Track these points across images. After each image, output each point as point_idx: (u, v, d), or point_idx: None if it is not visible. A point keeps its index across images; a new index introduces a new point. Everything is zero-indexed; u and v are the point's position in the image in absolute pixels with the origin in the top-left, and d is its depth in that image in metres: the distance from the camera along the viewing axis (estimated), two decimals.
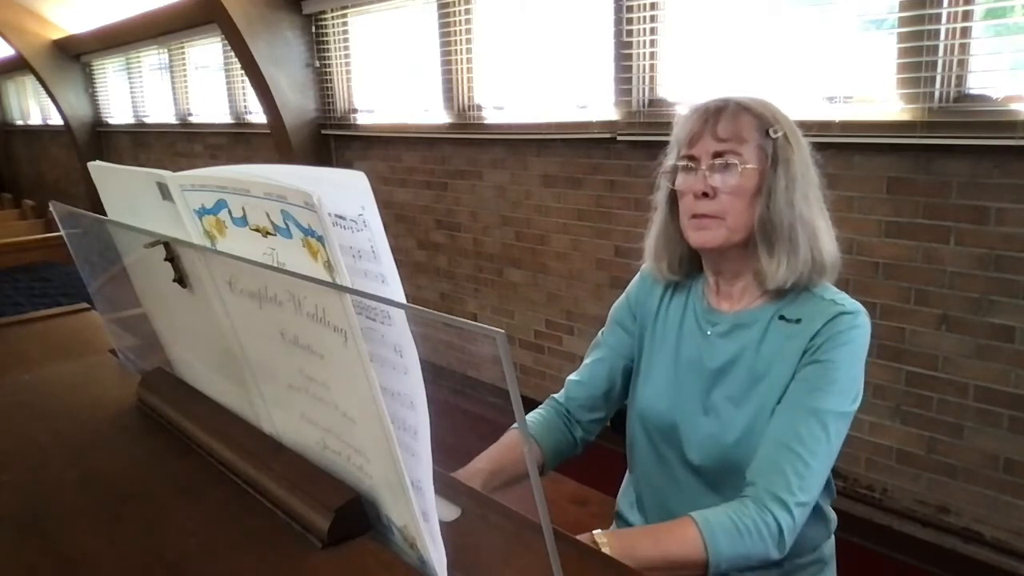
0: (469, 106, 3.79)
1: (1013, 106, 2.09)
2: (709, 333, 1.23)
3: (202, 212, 0.85)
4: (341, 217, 0.68)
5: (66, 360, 1.47)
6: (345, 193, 0.68)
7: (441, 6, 3.74)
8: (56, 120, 8.23)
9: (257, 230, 0.76)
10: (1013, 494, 2.25)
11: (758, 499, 1.07)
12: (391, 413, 0.71)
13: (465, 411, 3.69)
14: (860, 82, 2.42)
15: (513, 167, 3.61)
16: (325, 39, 4.54)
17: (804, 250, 1.14)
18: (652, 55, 2.97)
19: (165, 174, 0.88)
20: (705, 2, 2.80)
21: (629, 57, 3.00)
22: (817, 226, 1.16)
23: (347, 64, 4.49)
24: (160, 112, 6.76)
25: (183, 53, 6.17)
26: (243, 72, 4.78)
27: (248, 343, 0.90)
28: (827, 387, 1.10)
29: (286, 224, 0.71)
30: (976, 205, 2.20)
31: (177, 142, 6.59)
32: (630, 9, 2.95)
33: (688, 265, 1.27)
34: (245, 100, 5.45)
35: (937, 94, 2.22)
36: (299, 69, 4.60)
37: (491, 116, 3.70)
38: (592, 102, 3.23)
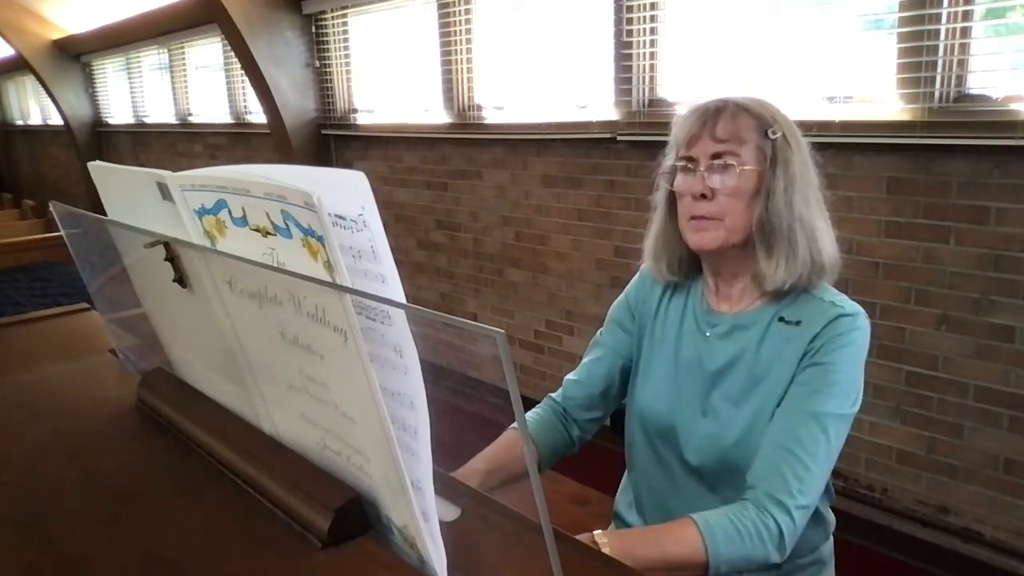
0: (469, 106, 3.79)
1: (1013, 106, 2.09)
2: (708, 334, 1.23)
3: (202, 212, 0.85)
4: (341, 217, 0.68)
5: (66, 360, 1.47)
6: (345, 193, 0.68)
7: (441, 6, 3.74)
8: (56, 120, 8.22)
9: (257, 230, 0.76)
10: (1013, 494, 2.25)
11: (758, 502, 1.06)
12: (391, 413, 0.71)
13: (465, 411, 3.69)
14: (860, 82, 2.42)
15: (513, 167, 3.61)
16: (325, 39, 4.54)
17: (803, 251, 1.13)
18: (652, 55, 2.97)
19: (165, 174, 0.88)
20: (705, 2, 2.80)
21: (629, 57, 3.00)
22: (816, 227, 1.15)
23: (347, 64, 4.49)
24: (160, 112, 6.76)
25: (183, 53, 6.17)
26: (243, 72, 4.78)
27: (248, 343, 0.90)
28: (827, 389, 1.10)
29: (286, 224, 0.71)
30: (976, 205, 2.20)
31: (177, 142, 6.59)
32: (630, 9, 2.95)
33: (687, 266, 1.27)
34: (245, 100, 5.45)
35: (937, 94, 2.22)
36: (299, 69, 4.60)
37: (491, 116, 3.70)
38: (592, 102, 3.23)
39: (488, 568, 0.83)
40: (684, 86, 2.95)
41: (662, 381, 1.26)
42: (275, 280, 0.77)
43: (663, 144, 1.25)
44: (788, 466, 1.07)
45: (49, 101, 7.96)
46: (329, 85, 4.61)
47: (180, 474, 0.97)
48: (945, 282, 2.29)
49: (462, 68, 3.74)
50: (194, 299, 0.97)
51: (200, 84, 6.18)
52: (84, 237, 1.29)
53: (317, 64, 4.61)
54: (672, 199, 1.22)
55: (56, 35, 7.38)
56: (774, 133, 1.14)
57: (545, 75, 3.41)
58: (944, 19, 2.18)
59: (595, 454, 1.49)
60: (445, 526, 0.77)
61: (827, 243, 1.16)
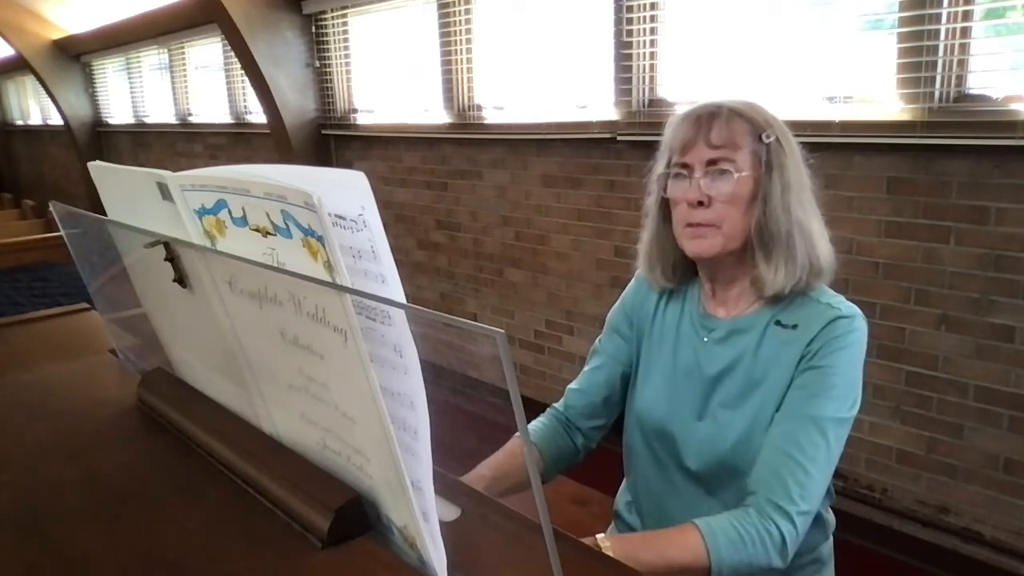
0: (469, 106, 3.79)
1: (1013, 106, 2.09)
2: (706, 339, 1.22)
3: (202, 212, 0.85)
4: (341, 217, 0.68)
5: (66, 360, 1.47)
6: (345, 193, 0.68)
7: (441, 6, 3.74)
8: (56, 120, 8.23)
9: (257, 230, 0.76)
10: (1013, 494, 2.25)
11: (760, 508, 1.06)
12: (391, 413, 0.71)
13: (465, 411, 3.69)
14: (860, 82, 2.42)
15: (513, 167, 3.61)
16: (325, 39, 4.54)
17: (801, 255, 1.13)
18: (652, 55, 2.97)
19: (165, 174, 0.88)
20: (705, 2, 2.80)
21: (629, 57, 3.00)
22: (812, 230, 1.15)
23: (347, 64, 4.49)
24: (160, 112, 6.76)
25: (183, 53, 6.17)
26: (243, 72, 4.78)
27: (248, 343, 0.90)
28: (825, 393, 1.10)
29: (286, 224, 0.71)
30: (976, 205, 2.20)
31: (177, 142, 6.59)
32: (630, 9, 2.95)
33: (683, 271, 1.26)
34: (245, 100, 5.45)
35: (937, 94, 2.22)
36: (299, 69, 4.60)
37: (491, 116, 3.70)
38: (592, 102, 3.23)
39: (488, 568, 0.83)
40: (684, 86, 2.95)
41: (660, 386, 1.26)
42: (275, 280, 0.77)
43: None
44: (789, 472, 1.07)
45: (49, 101, 7.96)
46: (329, 85, 4.61)
47: (180, 474, 0.97)
48: (945, 282, 2.29)
49: (462, 68, 3.74)
50: (194, 299, 0.97)
51: (200, 84, 6.18)
52: (84, 237, 1.29)
53: (317, 64, 4.61)
54: (665, 205, 1.21)
55: (56, 35, 7.38)
56: (768, 137, 1.13)
57: (545, 75, 3.41)
58: (944, 19, 2.18)
59: (595, 454, 1.49)
60: (445, 526, 0.77)
61: (823, 245, 1.16)
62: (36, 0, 6.97)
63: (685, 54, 2.92)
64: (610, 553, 0.99)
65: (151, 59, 6.70)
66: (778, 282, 1.13)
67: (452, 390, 4.01)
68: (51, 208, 1.29)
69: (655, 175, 1.22)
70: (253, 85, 4.65)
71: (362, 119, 4.52)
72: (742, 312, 1.20)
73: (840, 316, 1.12)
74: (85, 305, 1.91)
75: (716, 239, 1.14)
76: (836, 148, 2.41)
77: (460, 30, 3.69)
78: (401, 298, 0.69)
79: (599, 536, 1.03)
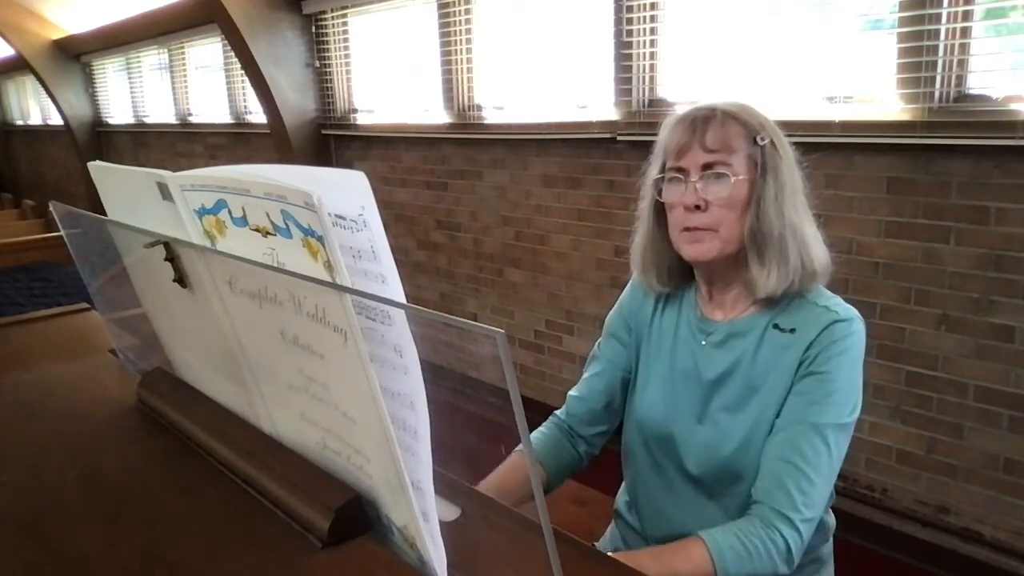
0: (469, 106, 3.79)
1: (1013, 106, 2.09)
2: (704, 343, 1.22)
3: (202, 212, 0.85)
4: (341, 217, 0.68)
5: (66, 360, 1.47)
6: (345, 193, 0.68)
7: (441, 6, 3.74)
8: (56, 120, 8.23)
9: (257, 230, 0.76)
10: (1013, 494, 2.25)
11: (764, 518, 1.06)
12: (391, 413, 0.71)
13: (465, 411, 3.69)
14: (860, 82, 2.42)
15: (513, 167, 3.61)
16: (325, 39, 4.53)
17: (794, 258, 1.12)
18: (652, 55, 2.97)
19: (165, 174, 0.88)
20: (705, 2, 2.80)
21: (629, 57, 3.00)
22: (806, 232, 1.14)
23: (347, 64, 4.49)
24: (160, 112, 6.76)
25: (183, 53, 6.17)
26: (243, 72, 4.78)
27: (248, 343, 0.90)
28: (825, 399, 1.10)
29: (286, 224, 0.71)
30: (976, 205, 2.20)
31: (177, 142, 6.59)
32: (630, 9, 2.95)
33: (678, 276, 1.26)
34: (245, 100, 5.45)
35: (937, 94, 2.22)
36: (299, 69, 4.60)
37: (491, 116, 3.70)
38: (592, 102, 3.23)
39: (488, 568, 0.83)
40: (684, 86, 2.95)
41: (659, 390, 1.26)
42: (275, 280, 0.77)
43: None
44: (792, 480, 1.07)
45: (49, 101, 7.96)
46: (329, 85, 4.61)
47: (180, 474, 0.97)
48: (945, 282, 2.29)
49: (462, 68, 3.74)
50: (194, 299, 0.97)
51: (200, 84, 6.18)
52: (84, 237, 1.29)
53: (317, 64, 4.61)
54: (659, 209, 1.21)
55: (56, 35, 7.38)
56: (762, 139, 1.13)
57: (545, 75, 3.41)
58: (944, 19, 2.18)
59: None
60: (445, 526, 0.77)
61: (817, 247, 1.15)
62: (36, 0, 6.97)
63: (685, 54, 2.92)
64: None
65: (151, 59, 6.70)
66: (770, 284, 1.13)
67: (452, 390, 4.01)
68: (51, 208, 1.29)
69: (649, 179, 1.22)
70: (253, 85, 4.65)
71: (362, 119, 4.52)
72: (739, 315, 1.20)
73: (838, 320, 1.12)
74: (85, 305, 1.91)
75: (714, 243, 1.13)
76: (836, 148, 2.41)
77: (460, 30, 3.69)
78: (401, 298, 0.69)
79: (609, 552, 1.03)
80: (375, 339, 0.69)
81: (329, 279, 0.68)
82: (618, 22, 3.01)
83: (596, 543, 1.44)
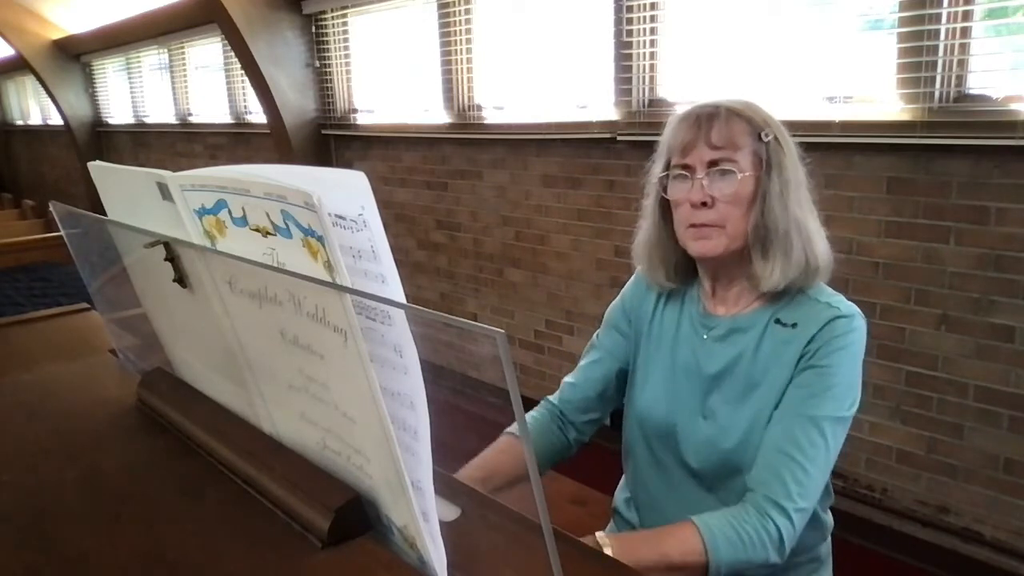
0: (469, 106, 3.79)
1: (1013, 106, 2.09)
2: (705, 337, 1.22)
3: (202, 212, 0.85)
4: (341, 217, 0.68)
5: (66, 360, 1.47)
6: (345, 193, 0.68)
7: (441, 6, 3.74)
8: (56, 120, 8.23)
9: (257, 230, 0.76)
10: (1013, 494, 2.25)
11: (758, 506, 1.07)
12: (391, 413, 0.71)
13: (465, 411, 3.69)
14: (860, 82, 2.42)
15: (513, 167, 3.61)
16: (325, 39, 4.53)
17: (798, 253, 1.13)
18: (652, 55, 2.97)
19: (165, 174, 0.88)
20: (705, 2, 2.80)
21: (629, 57, 3.00)
22: (810, 228, 1.15)
23: (347, 64, 4.49)
24: (160, 112, 6.76)
25: (183, 53, 6.17)
26: (243, 72, 4.78)
27: (248, 343, 0.90)
28: (824, 393, 1.10)
29: (286, 224, 0.71)
30: (976, 205, 2.20)
31: (177, 142, 6.59)
32: (630, 9, 2.95)
33: (684, 272, 1.27)
34: (245, 100, 5.45)
35: (937, 94, 2.22)
36: (299, 69, 4.60)
37: (491, 116, 3.70)
38: (592, 102, 3.23)
39: (488, 568, 0.83)
40: (684, 86, 2.95)
41: (660, 384, 1.26)
42: (275, 280, 0.77)
43: None
44: (787, 470, 1.08)
45: (49, 101, 7.96)
46: (329, 85, 4.61)
47: (180, 474, 0.97)
48: (945, 282, 2.29)
49: (462, 68, 3.74)
50: (194, 299, 0.97)
51: (200, 84, 6.18)
52: (84, 237, 1.29)
53: (317, 64, 4.61)
54: (664, 206, 1.22)
55: (56, 35, 7.38)
56: (767, 136, 1.14)
57: (545, 75, 3.41)
58: (944, 19, 2.18)
59: (594, 454, 1.49)
60: (445, 526, 0.77)
61: (820, 243, 1.16)
62: (36, 0, 6.97)
63: (685, 54, 2.92)
64: (609, 551, 1.00)
65: (151, 59, 6.70)
66: (774, 279, 1.14)
67: (452, 390, 4.01)
68: (51, 208, 1.29)
69: (653, 177, 1.22)
70: (253, 85, 4.65)
71: (362, 119, 4.52)
72: (742, 311, 1.21)
73: (839, 316, 1.12)
74: (85, 305, 1.91)
75: (720, 239, 1.14)
76: (836, 148, 2.41)
77: (460, 30, 3.69)
78: (401, 298, 0.69)
79: (599, 534, 1.04)
80: (375, 339, 0.69)
81: (329, 279, 0.68)
82: (618, 22, 3.01)
83: None
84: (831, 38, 2.47)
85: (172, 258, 0.96)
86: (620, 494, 1.41)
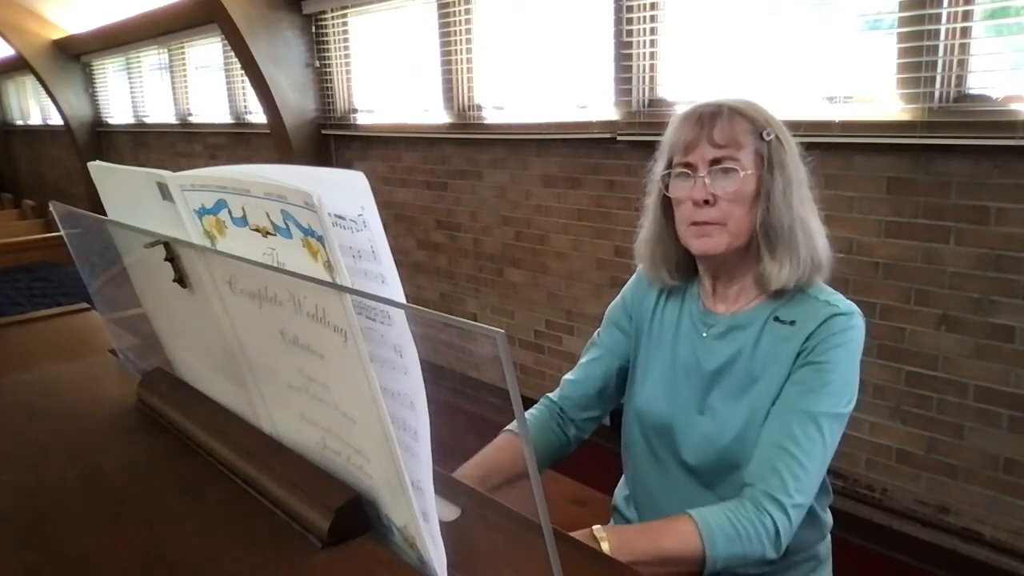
0: (469, 106, 3.79)
1: (1013, 106, 2.09)
2: (705, 335, 1.23)
3: (202, 212, 0.85)
4: (341, 217, 0.68)
5: (66, 360, 1.47)
6: (345, 193, 0.68)
7: (441, 6, 3.74)
8: (56, 120, 8.23)
9: (257, 230, 0.76)
10: (1013, 494, 2.25)
11: (755, 500, 1.07)
12: (391, 413, 0.71)
13: (465, 411, 3.69)
14: (860, 82, 2.42)
15: (513, 167, 3.61)
16: (325, 39, 4.53)
17: (804, 251, 1.15)
18: (652, 55, 2.97)
19: (165, 174, 0.88)
20: (705, 2, 2.80)
21: (629, 57, 3.00)
22: (812, 226, 1.16)
23: (347, 64, 4.49)
24: (160, 112, 6.76)
25: (183, 53, 6.17)
26: (243, 72, 4.78)
27: (248, 343, 0.90)
28: (821, 389, 1.11)
29: (286, 224, 0.71)
30: (976, 205, 2.20)
31: (177, 142, 6.59)
32: (630, 9, 2.95)
33: (685, 269, 1.28)
34: (245, 100, 5.45)
35: (937, 94, 2.22)
36: (299, 69, 4.60)
37: (491, 116, 3.70)
38: (592, 102, 3.23)
39: (488, 568, 0.83)
40: (684, 86, 2.95)
41: (660, 382, 1.27)
42: (275, 280, 0.77)
43: None
44: (784, 465, 1.08)
45: (49, 101, 7.96)
46: (329, 85, 4.61)
47: (180, 474, 0.97)
48: (945, 282, 2.29)
49: (462, 68, 3.74)
50: (194, 299, 0.97)
51: (200, 84, 6.18)
52: (84, 237, 1.29)
53: (317, 64, 4.61)
54: (666, 204, 1.22)
55: (56, 35, 7.38)
56: (768, 135, 1.15)
57: (545, 75, 3.40)
58: (944, 19, 2.18)
59: (594, 454, 1.49)
60: (445, 526, 0.77)
61: (822, 241, 1.18)
62: (36, 0, 6.97)
63: (685, 54, 2.92)
64: (606, 544, 1.01)
65: (151, 59, 6.70)
66: (783, 277, 1.15)
67: (452, 390, 4.01)
68: (51, 208, 1.29)
69: (655, 175, 1.23)
70: (253, 85, 4.65)
71: (362, 119, 4.52)
72: (742, 308, 1.22)
73: (838, 313, 1.13)
74: (85, 305, 1.91)
75: (722, 237, 1.15)
76: (836, 148, 2.41)
77: (460, 30, 3.69)
78: (401, 298, 0.69)
79: (596, 528, 1.04)
80: (375, 339, 0.69)
81: (329, 279, 0.68)
82: (618, 22, 3.01)
83: None
84: (831, 38, 2.47)
85: (172, 258, 0.96)
86: (620, 492, 1.41)
